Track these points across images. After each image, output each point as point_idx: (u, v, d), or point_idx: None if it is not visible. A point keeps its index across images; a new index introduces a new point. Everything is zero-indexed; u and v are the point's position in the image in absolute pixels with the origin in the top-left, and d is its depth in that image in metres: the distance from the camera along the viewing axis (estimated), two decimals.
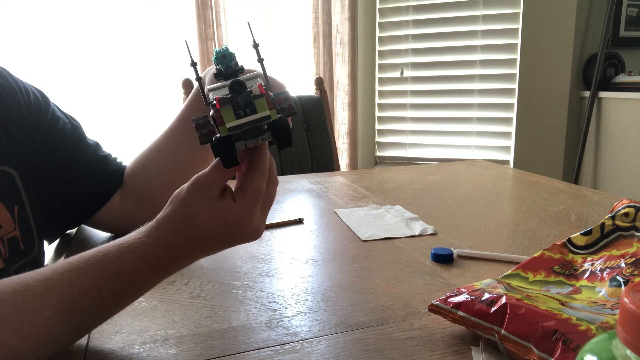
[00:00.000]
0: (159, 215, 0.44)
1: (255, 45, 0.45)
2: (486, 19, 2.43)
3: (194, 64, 0.44)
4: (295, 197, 0.98)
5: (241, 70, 0.45)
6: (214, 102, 0.41)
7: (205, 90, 0.47)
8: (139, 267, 0.42)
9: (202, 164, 0.67)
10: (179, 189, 0.44)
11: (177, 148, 0.69)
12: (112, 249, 0.42)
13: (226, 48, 0.45)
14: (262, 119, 0.41)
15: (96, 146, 0.74)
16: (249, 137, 0.42)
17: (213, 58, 0.45)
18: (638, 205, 0.54)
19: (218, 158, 0.43)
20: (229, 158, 0.42)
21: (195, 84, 0.55)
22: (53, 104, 0.70)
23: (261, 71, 0.47)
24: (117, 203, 0.72)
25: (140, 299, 0.52)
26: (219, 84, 0.45)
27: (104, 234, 0.77)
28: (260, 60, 0.45)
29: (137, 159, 0.73)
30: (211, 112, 0.42)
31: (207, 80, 0.60)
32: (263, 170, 0.45)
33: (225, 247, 0.46)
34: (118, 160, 0.76)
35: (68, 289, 0.40)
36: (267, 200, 0.47)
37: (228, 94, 0.41)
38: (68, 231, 0.78)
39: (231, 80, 0.41)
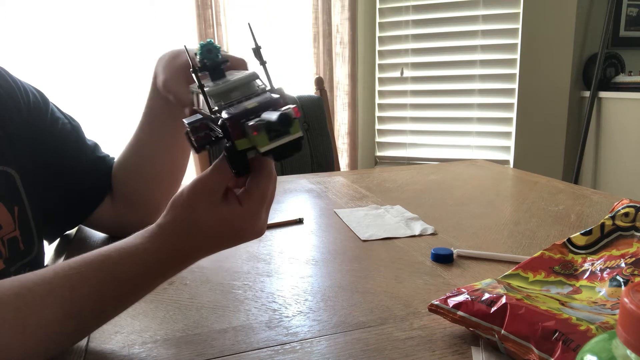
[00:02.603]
0: (161, 221, 0.43)
1: (257, 48, 0.45)
2: (486, 19, 2.43)
3: (195, 71, 0.44)
4: (295, 197, 0.98)
5: (225, 62, 0.45)
6: (251, 128, 0.39)
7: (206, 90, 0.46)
8: (140, 272, 0.42)
9: (179, 152, 0.69)
10: (179, 192, 0.44)
11: (151, 143, 0.69)
12: (113, 252, 0.42)
13: (211, 41, 0.44)
14: (294, 141, 0.40)
15: (95, 147, 0.74)
16: (279, 158, 0.41)
17: (198, 52, 0.44)
18: (638, 205, 0.54)
19: (217, 161, 0.43)
20: (244, 169, 0.42)
21: (193, 87, 0.54)
22: (52, 104, 0.70)
23: (257, 72, 0.46)
24: (109, 204, 0.73)
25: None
26: (214, 86, 0.44)
27: (103, 234, 0.77)
28: (263, 63, 0.45)
29: (117, 159, 0.73)
30: (220, 122, 0.41)
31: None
32: (269, 173, 0.45)
33: (228, 248, 0.46)
34: (115, 161, 0.75)
35: (69, 291, 0.39)
36: (270, 199, 0.47)
37: (260, 119, 0.39)
38: (68, 231, 0.78)
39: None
